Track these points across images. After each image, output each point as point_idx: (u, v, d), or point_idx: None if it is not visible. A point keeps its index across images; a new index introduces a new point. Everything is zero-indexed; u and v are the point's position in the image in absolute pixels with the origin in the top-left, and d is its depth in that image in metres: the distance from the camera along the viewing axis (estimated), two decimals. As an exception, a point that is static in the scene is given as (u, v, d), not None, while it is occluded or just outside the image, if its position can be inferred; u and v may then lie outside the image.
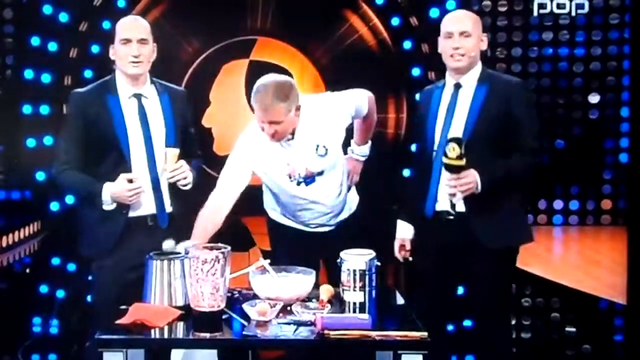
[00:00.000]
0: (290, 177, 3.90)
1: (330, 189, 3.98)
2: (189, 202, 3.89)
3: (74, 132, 3.73)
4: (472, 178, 3.55)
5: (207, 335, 3.16)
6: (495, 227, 3.67)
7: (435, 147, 3.74)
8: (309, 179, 3.90)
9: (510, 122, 3.60)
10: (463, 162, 3.50)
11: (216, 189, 3.88)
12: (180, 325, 3.26)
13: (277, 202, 4.07)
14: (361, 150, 4.19)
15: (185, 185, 3.79)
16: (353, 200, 4.16)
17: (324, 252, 3.99)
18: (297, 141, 3.84)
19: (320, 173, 3.91)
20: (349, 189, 4.12)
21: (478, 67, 3.73)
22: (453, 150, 3.48)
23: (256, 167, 3.88)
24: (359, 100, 3.99)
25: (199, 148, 4.07)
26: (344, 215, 4.09)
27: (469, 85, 3.72)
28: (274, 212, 4.15)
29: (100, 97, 3.74)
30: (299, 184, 3.91)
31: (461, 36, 3.69)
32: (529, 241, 3.85)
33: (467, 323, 4.86)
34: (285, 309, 3.33)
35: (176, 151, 3.73)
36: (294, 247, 4.00)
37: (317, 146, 3.86)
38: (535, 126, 3.63)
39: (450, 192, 3.60)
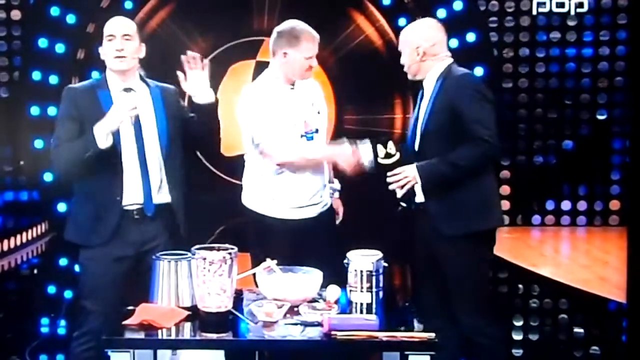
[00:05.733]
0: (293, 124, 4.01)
1: None
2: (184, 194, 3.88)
3: (68, 125, 3.75)
4: (409, 173, 3.69)
5: (214, 336, 3.16)
6: (454, 214, 3.72)
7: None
8: (309, 134, 4.03)
9: (456, 114, 3.67)
10: (391, 160, 3.68)
11: (269, 145, 3.97)
12: (187, 326, 3.26)
13: (277, 176, 4.03)
14: (335, 186, 4.21)
15: None
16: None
17: (304, 251, 3.96)
18: (297, 91, 4.02)
19: (316, 131, 4.04)
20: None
21: (439, 66, 3.81)
22: (380, 150, 3.68)
23: (273, 112, 3.97)
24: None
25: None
26: (326, 207, 4.11)
27: (430, 83, 3.84)
28: (263, 201, 4.06)
29: (93, 92, 3.79)
30: (301, 136, 4.02)
31: None
32: (497, 225, 3.86)
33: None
34: (292, 310, 3.33)
35: None
36: (276, 245, 3.93)
37: (312, 104, 4.04)
38: (484, 115, 3.66)
39: (390, 188, 3.73)
